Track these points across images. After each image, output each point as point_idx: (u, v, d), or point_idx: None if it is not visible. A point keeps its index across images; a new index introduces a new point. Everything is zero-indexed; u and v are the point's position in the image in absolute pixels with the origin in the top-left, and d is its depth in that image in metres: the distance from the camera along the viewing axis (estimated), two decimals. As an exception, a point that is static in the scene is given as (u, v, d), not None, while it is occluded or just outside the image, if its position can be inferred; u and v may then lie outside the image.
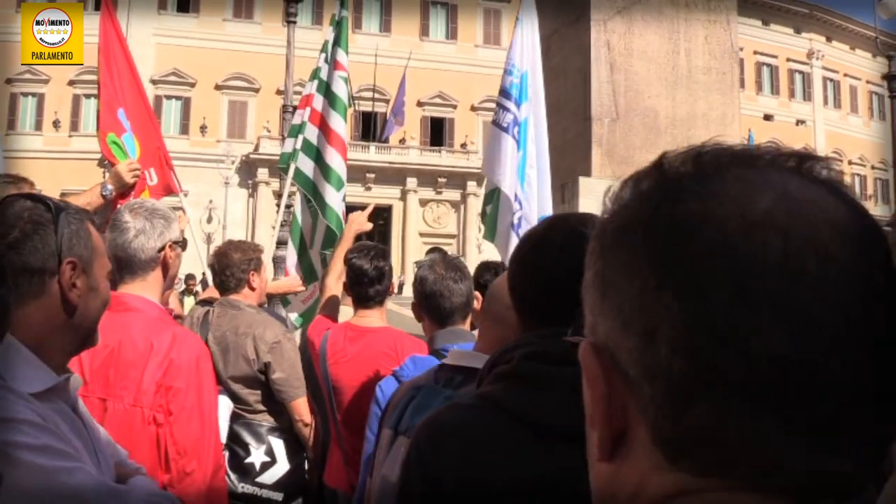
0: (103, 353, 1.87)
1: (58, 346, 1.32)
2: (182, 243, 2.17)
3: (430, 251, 40.02)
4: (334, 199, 4.85)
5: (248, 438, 2.94)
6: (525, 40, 5.12)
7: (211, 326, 3.03)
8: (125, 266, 2.05)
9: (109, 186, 3.19)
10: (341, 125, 4.85)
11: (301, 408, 2.99)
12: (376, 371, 2.81)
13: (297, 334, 4.16)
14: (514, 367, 1.06)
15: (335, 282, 3.28)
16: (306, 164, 4.90)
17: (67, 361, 1.38)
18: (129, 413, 1.85)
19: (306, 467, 3.08)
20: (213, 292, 3.41)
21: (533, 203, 4.79)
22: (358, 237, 3.42)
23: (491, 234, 4.87)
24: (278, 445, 2.96)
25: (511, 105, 4.88)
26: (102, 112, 3.69)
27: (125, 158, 3.56)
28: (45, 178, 34.71)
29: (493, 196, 4.84)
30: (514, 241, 4.45)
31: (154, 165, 3.80)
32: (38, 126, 38.26)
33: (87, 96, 36.51)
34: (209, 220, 35.09)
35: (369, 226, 3.54)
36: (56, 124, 37.96)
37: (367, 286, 2.93)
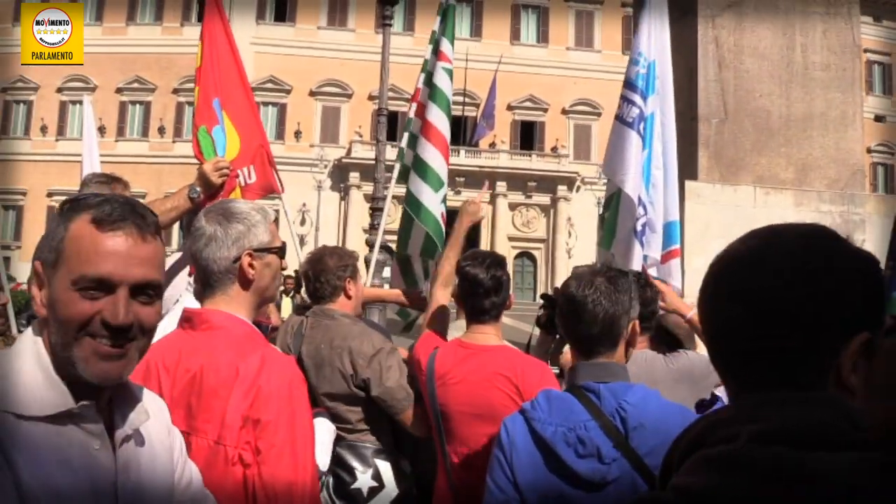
0: (184, 378, 1.67)
1: None
2: (275, 249, 1.83)
3: (518, 256, 39.70)
4: (431, 200, 4.49)
5: (353, 462, 2.71)
6: (653, 27, 4.53)
7: (304, 339, 2.83)
8: (203, 279, 1.79)
9: (197, 188, 2.99)
10: (442, 120, 4.48)
11: (410, 417, 2.75)
12: (491, 395, 2.55)
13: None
14: (744, 451, 0.72)
15: (443, 290, 2.96)
16: (410, 160, 4.61)
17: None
18: (213, 451, 1.60)
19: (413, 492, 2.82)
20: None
21: (658, 207, 4.34)
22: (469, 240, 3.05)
23: (608, 242, 4.37)
24: (385, 469, 2.72)
25: (637, 98, 4.36)
26: (199, 103, 3.58)
27: (213, 156, 3.38)
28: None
29: (614, 199, 4.42)
30: (637, 249, 4.14)
31: (255, 163, 3.68)
32: (27, 131, 40.36)
33: (74, 102, 38.37)
34: (302, 222, 35.87)
35: (483, 214, 3.11)
36: (43, 130, 39.93)
37: (483, 298, 2.63)
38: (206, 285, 1.79)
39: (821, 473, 0.66)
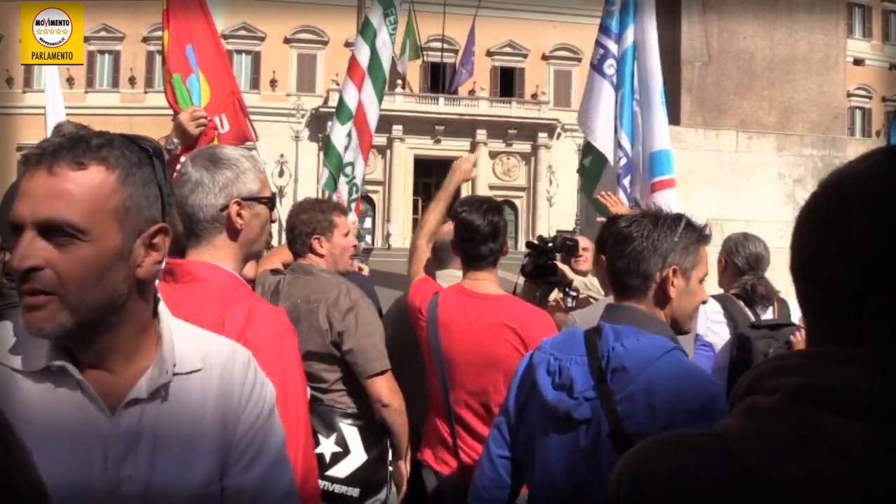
0: None
1: None
2: (265, 199, 1.70)
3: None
4: (338, 134, 4.87)
5: (315, 426, 2.52)
6: None
7: (281, 295, 2.70)
8: (188, 227, 1.67)
9: (174, 140, 2.87)
10: (364, 51, 4.90)
11: (379, 386, 2.58)
12: (496, 346, 2.53)
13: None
14: (775, 406, 0.68)
15: (427, 242, 2.94)
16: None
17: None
18: None
19: (389, 458, 2.71)
20: (282, 254, 3.11)
21: (640, 141, 4.28)
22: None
23: (590, 189, 4.41)
24: (351, 434, 2.60)
25: (609, 42, 4.36)
26: (170, 49, 3.43)
27: (189, 105, 3.27)
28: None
29: (592, 148, 4.44)
30: (623, 197, 4.07)
31: (226, 111, 3.56)
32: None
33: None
34: (280, 173, 35.47)
35: (476, 173, 3.07)
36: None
37: (480, 244, 2.60)
38: (190, 234, 1.68)
39: (836, 443, 0.62)
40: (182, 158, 2.32)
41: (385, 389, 2.59)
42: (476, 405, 2.58)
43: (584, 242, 3.74)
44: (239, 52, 39.15)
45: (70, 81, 37.74)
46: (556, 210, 38.38)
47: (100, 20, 38.13)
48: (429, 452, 2.71)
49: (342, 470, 2.57)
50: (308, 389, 2.40)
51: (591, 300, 3.32)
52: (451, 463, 2.63)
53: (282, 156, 35.86)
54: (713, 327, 3.15)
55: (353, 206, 5.51)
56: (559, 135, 40.39)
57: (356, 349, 2.58)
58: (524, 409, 1.85)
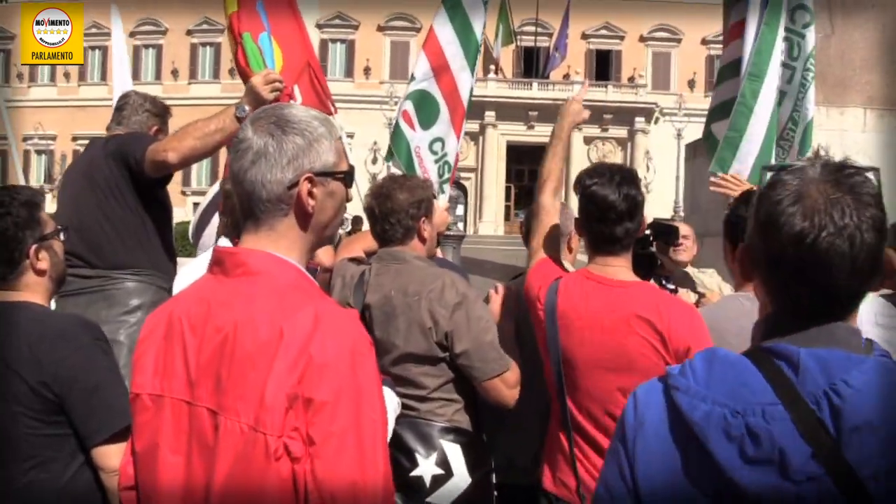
0: (214, 339, 1.26)
1: None
2: (341, 174, 1.37)
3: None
4: (421, 137, 4.91)
5: (412, 443, 2.21)
6: None
7: (369, 288, 2.34)
8: (245, 206, 1.34)
9: (245, 106, 2.62)
10: (444, 21, 4.84)
11: (499, 388, 2.23)
12: (628, 342, 2.09)
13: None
14: None
15: (552, 198, 2.42)
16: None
17: None
18: (249, 439, 1.19)
19: (494, 480, 2.34)
20: (364, 241, 2.74)
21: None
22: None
23: (724, 164, 3.98)
24: (454, 452, 2.21)
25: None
26: (241, 6, 3.18)
27: (262, 67, 2.93)
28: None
29: (721, 110, 4.02)
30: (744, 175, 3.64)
31: (299, 83, 3.28)
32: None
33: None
34: (374, 161, 35.78)
35: (587, 114, 2.62)
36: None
37: (615, 224, 2.13)
38: (248, 216, 1.34)
39: None
40: None
41: (506, 390, 2.26)
42: (600, 414, 2.13)
43: (685, 229, 3.32)
44: (334, 41, 39.80)
45: (175, 74, 39.27)
46: (654, 197, 37.04)
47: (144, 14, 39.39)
48: (547, 475, 2.27)
49: (445, 496, 2.19)
50: (398, 401, 2.13)
51: (693, 296, 2.93)
52: (570, 484, 2.19)
53: (375, 143, 36.13)
54: (882, 333, 2.56)
55: (445, 187, 5.08)
56: (657, 119, 39.08)
57: (472, 350, 2.23)
58: (666, 486, 1.09)
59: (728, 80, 4.42)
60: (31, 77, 40.29)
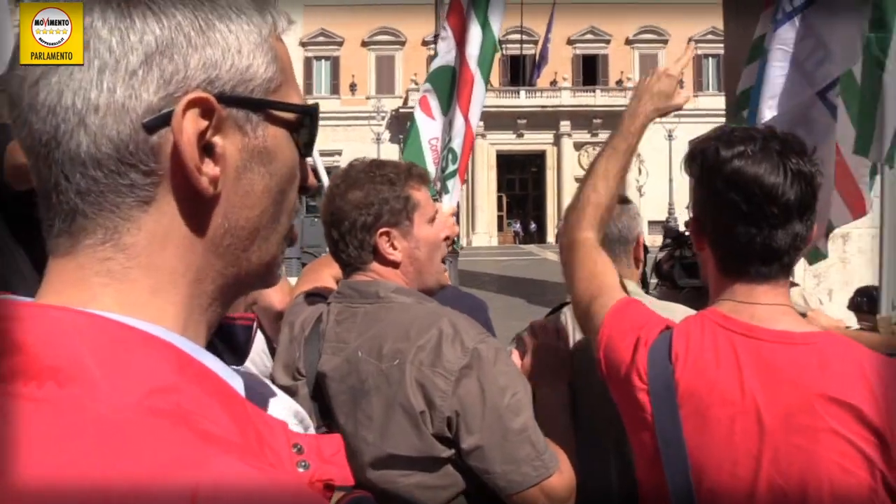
0: None
1: None
2: (286, 111, 0.61)
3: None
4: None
5: None
6: None
7: (324, 344, 1.54)
8: (44, 183, 0.45)
9: None
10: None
11: (541, 502, 1.39)
12: (816, 449, 1.17)
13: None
14: None
15: (599, 232, 1.58)
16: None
17: None
18: None
19: None
20: (330, 266, 1.89)
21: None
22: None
23: (866, 144, 3.24)
24: None
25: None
26: None
27: None
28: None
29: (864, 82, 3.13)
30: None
31: None
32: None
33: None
34: (363, 177, 35.59)
35: (679, 103, 1.79)
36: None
37: (778, 225, 1.24)
38: (54, 208, 0.60)
39: None
40: None
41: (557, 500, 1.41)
42: None
43: None
44: (318, 58, 39.56)
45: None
46: (647, 200, 36.87)
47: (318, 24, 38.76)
48: None
49: None
50: None
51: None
52: None
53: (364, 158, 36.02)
54: None
55: (452, 181, 4.09)
56: (647, 121, 38.93)
57: (490, 446, 1.36)
58: None
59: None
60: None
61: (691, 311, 1.42)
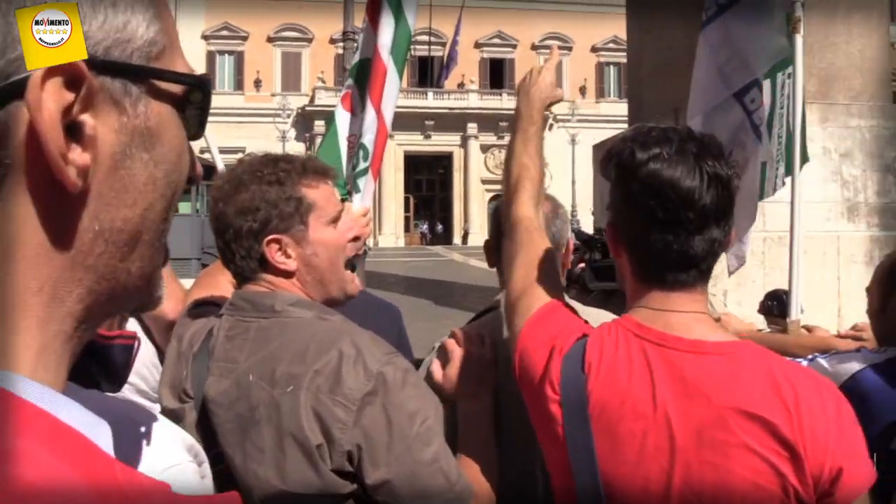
0: None
1: None
2: (170, 79, 0.52)
3: (492, 199, 38.92)
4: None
5: None
6: None
7: (214, 363, 1.36)
8: None
9: None
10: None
11: None
12: (728, 465, 1.13)
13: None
14: None
15: (534, 210, 1.51)
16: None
17: None
18: None
19: None
20: (223, 274, 1.70)
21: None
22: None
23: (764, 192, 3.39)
24: None
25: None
26: None
27: None
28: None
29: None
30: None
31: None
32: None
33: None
34: (268, 175, 34.86)
35: (561, 93, 1.74)
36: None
37: (695, 231, 1.20)
38: None
39: None
40: None
41: None
42: None
43: None
44: (221, 52, 38.45)
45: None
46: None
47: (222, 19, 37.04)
48: None
49: None
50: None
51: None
52: None
53: (269, 157, 35.29)
54: None
55: (363, 179, 3.85)
56: (551, 126, 39.66)
57: (399, 479, 1.23)
58: None
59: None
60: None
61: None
